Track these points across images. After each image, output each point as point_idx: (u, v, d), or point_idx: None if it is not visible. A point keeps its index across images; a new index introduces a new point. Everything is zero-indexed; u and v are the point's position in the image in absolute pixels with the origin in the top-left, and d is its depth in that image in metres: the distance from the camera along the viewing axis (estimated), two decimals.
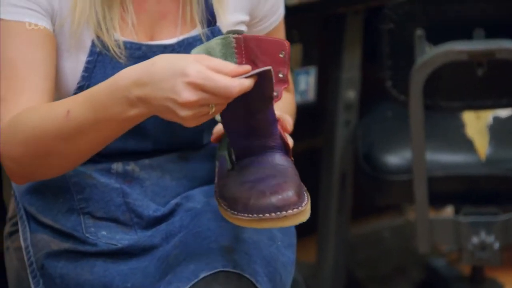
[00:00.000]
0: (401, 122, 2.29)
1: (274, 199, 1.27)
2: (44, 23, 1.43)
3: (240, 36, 1.34)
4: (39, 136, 1.36)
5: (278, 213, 1.26)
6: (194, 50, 1.35)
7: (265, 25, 1.60)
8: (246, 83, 1.22)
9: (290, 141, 1.37)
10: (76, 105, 1.33)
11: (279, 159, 1.33)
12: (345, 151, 2.57)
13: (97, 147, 1.37)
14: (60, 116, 1.34)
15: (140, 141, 1.50)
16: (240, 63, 1.33)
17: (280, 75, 1.32)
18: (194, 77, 1.21)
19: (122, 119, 1.30)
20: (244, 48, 1.33)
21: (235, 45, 1.34)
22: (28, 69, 1.41)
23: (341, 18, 2.46)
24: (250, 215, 1.28)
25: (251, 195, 1.28)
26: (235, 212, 1.30)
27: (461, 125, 2.36)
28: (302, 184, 1.32)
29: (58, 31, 1.45)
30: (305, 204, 1.29)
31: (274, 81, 1.27)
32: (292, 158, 1.37)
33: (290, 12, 2.26)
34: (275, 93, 1.30)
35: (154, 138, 1.51)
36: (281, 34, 1.65)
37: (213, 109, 1.24)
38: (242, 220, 1.30)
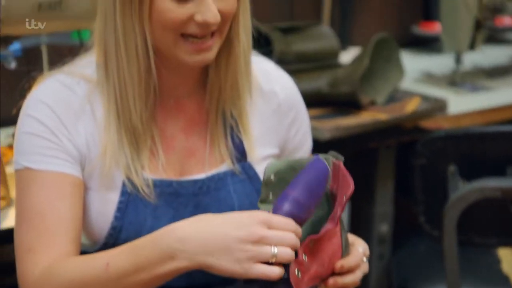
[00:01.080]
0: (435, 256, 2.28)
1: None
2: (72, 171, 1.44)
3: (339, 162, 1.34)
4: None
5: None
6: (274, 163, 1.36)
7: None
8: None
9: None
10: (115, 258, 1.34)
11: None
12: (379, 285, 2.55)
13: None
14: (99, 268, 1.34)
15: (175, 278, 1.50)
16: (332, 187, 1.33)
17: (336, 213, 1.33)
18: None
19: (163, 273, 1.31)
20: (337, 174, 1.34)
21: (331, 167, 1.34)
22: (57, 221, 1.42)
23: (373, 153, 2.49)
24: None
25: None
26: None
27: (496, 261, 2.34)
28: None
29: (88, 175, 1.46)
30: None
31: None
32: None
33: (323, 147, 2.29)
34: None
35: (189, 273, 1.51)
36: None
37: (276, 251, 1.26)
38: None
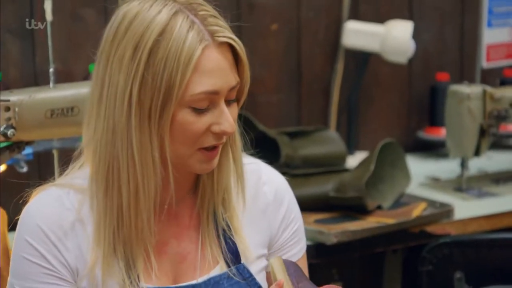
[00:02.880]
0: None
1: None
2: None
3: None
4: None
5: None
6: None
7: (284, 257, 1.59)
8: None
9: None
10: None
11: None
12: None
13: None
14: None
15: None
16: None
17: None
18: None
19: None
20: None
21: None
22: None
23: (379, 257, 2.49)
24: None
25: None
26: None
27: None
28: None
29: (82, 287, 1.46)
30: None
31: None
32: None
33: (329, 252, 2.30)
34: None
35: None
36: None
37: None
38: None
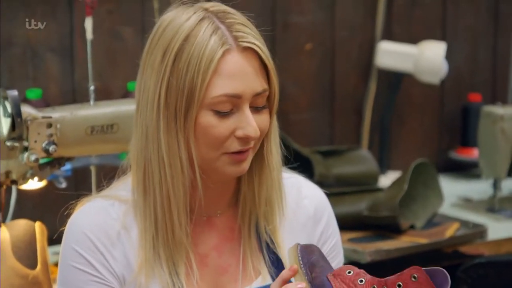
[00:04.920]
0: None
1: None
2: None
3: None
4: None
5: None
6: None
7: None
8: None
9: None
10: None
11: None
12: None
13: None
14: None
15: None
16: None
17: None
18: None
19: None
20: None
21: None
22: None
23: None
24: None
25: None
26: None
27: None
28: None
29: None
30: None
31: None
32: None
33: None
34: None
35: None
36: None
37: None
38: None
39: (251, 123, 1.42)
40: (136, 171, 1.47)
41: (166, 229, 1.45)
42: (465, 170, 3.19)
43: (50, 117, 1.91)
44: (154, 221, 1.46)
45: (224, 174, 1.46)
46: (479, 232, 2.50)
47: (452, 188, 2.94)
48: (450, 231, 2.48)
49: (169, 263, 1.46)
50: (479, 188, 2.94)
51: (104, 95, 2.43)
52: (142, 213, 1.47)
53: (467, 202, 2.84)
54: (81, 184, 2.47)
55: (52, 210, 2.34)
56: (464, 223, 2.54)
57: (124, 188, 1.51)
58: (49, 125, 1.90)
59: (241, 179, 1.51)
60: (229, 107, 1.42)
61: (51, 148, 1.90)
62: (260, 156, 1.50)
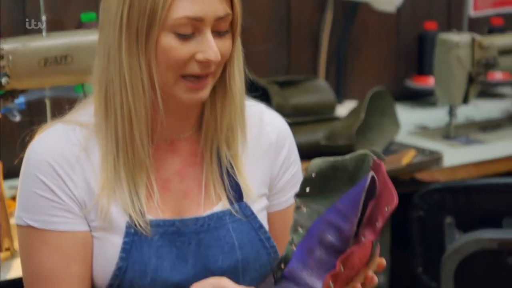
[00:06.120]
0: None
1: None
2: (79, 227, 1.48)
3: (380, 161, 1.35)
4: None
5: None
6: (317, 162, 1.38)
7: (283, 199, 1.62)
8: None
9: None
10: None
11: None
12: None
13: None
14: None
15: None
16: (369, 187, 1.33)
17: (377, 224, 1.33)
18: None
19: None
20: (377, 175, 1.34)
21: (371, 166, 1.35)
22: (70, 280, 1.47)
23: None
24: None
25: None
26: None
27: None
28: None
29: (89, 221, 1.49)
30: None
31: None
32: None
33: None
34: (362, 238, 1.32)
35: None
36: None
37: None
38: None
39: (212, 47, 1.42)
40: (98, 92, 1.48)
41: (127, 150, 1.46)
42: (421, 98, 3.21)
43: (2, 49, 1.88)
44: (115, 142, 1.47)
45: (182, 101, 1.46)
46: (435, 159, 2.52)
47: (408, 116, 2.96)
48: (407, 158, 2.50)
49: (129, 184, 1.47)
50: (435, 116, 2.97)
51: (56, 27, 2.39)
52: (104, 135, 1.47)
53: (423, 130, 2.87)
54: (35, 117, 2.44)
55: (6, 144, 2.33)
56: (420, 151, 2.56)
57: (84, 113, 1.51)
58: (1, 57, 1.87)
59: (205, 104, 1.51)
60: (190, 30, 1.42)
61: (3, 80, 1.87)
62: (223, 82, 1.50)
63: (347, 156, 1.39)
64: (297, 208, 1.41)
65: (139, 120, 1.45)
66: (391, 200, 1.31)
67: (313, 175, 1.39)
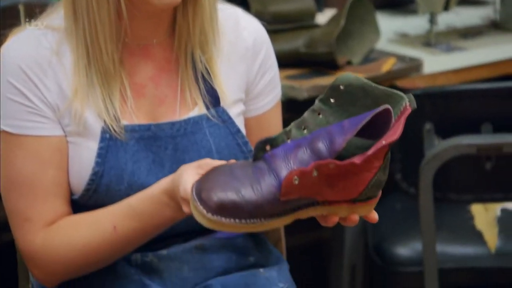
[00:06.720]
0: (410, 214, 2.31)
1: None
2: (54, 131, 1.48)
3: (409, 108, 1.32)
4: (87, 254, 1.45)
5: None
6: (349, 76, 1.33)
7: (259, 105, 1.62)
8: None
9: None
10: (121, 219, 1.43)
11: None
12: (354, 243, 2.58)
13: (140, 245, 1.48)
14: (107, 232, 1.44)
15: None
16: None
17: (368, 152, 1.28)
18: None
19: (169, 221, 1.42)
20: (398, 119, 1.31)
21: (402, 109, 1.32)
22: (47, 187, 1.47)
23: None
24: None
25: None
26: None
27: (470, 217, 2.38)
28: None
29: (63, 126, 1.49)
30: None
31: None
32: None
33: (300, 107, 2.31)
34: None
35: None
36: (276, 119, 1.67)
37: None
38: None
39: None
40: None
41: (96, 55, 1.46)
42: (402, 5, 3.18)
43: None
44: (85, 48, 1.46)
45: (155, 6, 1.44)
46: (415, 66, 2.51)
47: (388, 24, 2.93)
48: (387, 65, 2.48)
49: (102, 89, 1.47)
50: (416, 23, 2.94)
51: None
52: (75, 41, 1.47)
53: (404, 37, 2.85)
54: (9, 23, 2.40)
55: None
56: (401, 58, 2.55)
57: (57, 16, 1.50)
58: None
59: (177, 9, 1.49)
60: None
61: None
62: None
63: (381, 86, 1.34)
64: (313, 110, 1.35)
65: (103, 26, 1.44)
66: (391, 136, 1.29)
67: (342, 87, 1.34)
